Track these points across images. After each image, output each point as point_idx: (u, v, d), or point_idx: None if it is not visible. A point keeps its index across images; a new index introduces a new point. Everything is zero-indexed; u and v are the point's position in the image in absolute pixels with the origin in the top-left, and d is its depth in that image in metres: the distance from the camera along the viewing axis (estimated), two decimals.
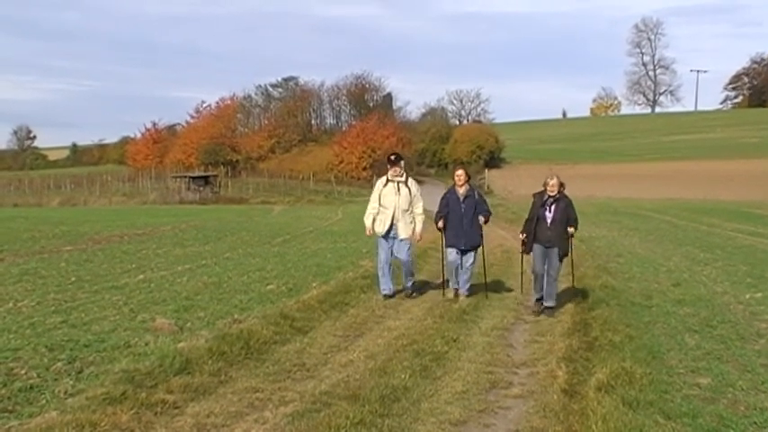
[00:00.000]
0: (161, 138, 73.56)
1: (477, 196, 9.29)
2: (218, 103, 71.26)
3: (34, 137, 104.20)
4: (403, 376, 5.56)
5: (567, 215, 8.51)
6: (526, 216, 8.99)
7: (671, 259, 13.61)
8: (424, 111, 73.66)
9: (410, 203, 9.33)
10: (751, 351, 6.51)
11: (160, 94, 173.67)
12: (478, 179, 52.02)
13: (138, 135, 76.37)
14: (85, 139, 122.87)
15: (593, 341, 6.79)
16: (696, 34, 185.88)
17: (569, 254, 8.77)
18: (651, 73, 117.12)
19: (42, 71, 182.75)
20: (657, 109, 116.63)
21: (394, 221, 9.26)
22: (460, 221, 9.12)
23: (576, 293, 9.29)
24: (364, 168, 55.14)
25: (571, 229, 8.52)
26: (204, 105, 73.16)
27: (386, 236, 9.32)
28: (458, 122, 77.32)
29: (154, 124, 75.40)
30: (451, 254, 9.30)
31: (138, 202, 48.92)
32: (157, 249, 15.10)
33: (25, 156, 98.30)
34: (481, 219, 9.16)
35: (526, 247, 8.77)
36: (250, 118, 71.65)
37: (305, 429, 4.45)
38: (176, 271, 11.47)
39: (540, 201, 8.59)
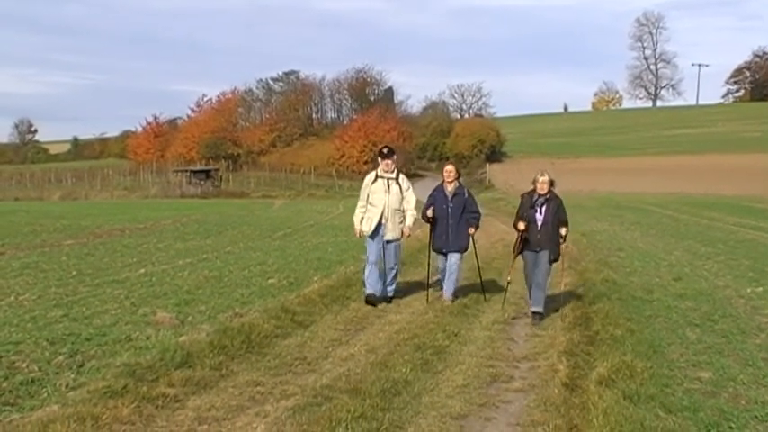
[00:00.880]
0: (162, 132, 73.40)
1: (466, 195, 8.69)
2: (219, 96, 71.14)
3: (35, 130, 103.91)
4: (404, 370, 5.56)
5: (559, 217, 7.89)
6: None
7: (672, 253, 13.61)
8: (425, 105, 73.64)
9: (401, 202, 8.67)
10: (752, 345, 6.52)
11: (161, 87, 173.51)
12: (480, 173, 52.06)
13: (140, 129, 76.32)
14: (87, 132, 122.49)
15: (595, 335, 6.79)
16: (697, 28, 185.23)
17: (559, 258, 8.11)
18: (653, 67, 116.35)
19: (43, 65, 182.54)
20: (659, 103, 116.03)
21: (382, 221, 8.61)
22: (447, 221, 8.58)
23: (577, 287, 9.27)
24: (365, 162, 54.97)
25: (564, 230, 7.93)
26: (205, 99, 73.01)
27: (373, 235, 8.69)
28: (459, 116, 76.92)
29: (155, 118, 75.29)
30: (439, 260, 8.80)
31: (140, 196, 48.90)
32: (158, 243, 15.11)
33: (26, 149, 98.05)
34: (471, 230, 8.61)
35: (520, 246, 8.03)
36: (251, 112, 71.50)
37: (306, 423, 4.45)
38: (177, 265, 11.48)
39: (530, 201, 7.96)
